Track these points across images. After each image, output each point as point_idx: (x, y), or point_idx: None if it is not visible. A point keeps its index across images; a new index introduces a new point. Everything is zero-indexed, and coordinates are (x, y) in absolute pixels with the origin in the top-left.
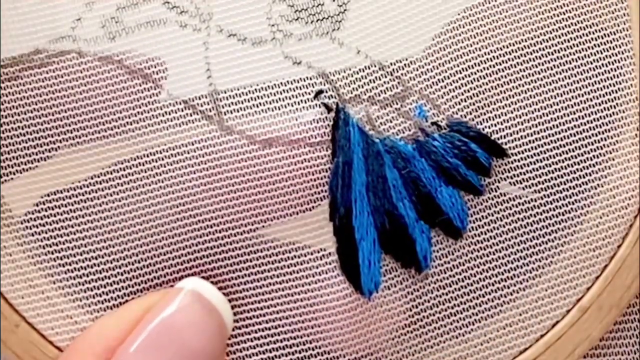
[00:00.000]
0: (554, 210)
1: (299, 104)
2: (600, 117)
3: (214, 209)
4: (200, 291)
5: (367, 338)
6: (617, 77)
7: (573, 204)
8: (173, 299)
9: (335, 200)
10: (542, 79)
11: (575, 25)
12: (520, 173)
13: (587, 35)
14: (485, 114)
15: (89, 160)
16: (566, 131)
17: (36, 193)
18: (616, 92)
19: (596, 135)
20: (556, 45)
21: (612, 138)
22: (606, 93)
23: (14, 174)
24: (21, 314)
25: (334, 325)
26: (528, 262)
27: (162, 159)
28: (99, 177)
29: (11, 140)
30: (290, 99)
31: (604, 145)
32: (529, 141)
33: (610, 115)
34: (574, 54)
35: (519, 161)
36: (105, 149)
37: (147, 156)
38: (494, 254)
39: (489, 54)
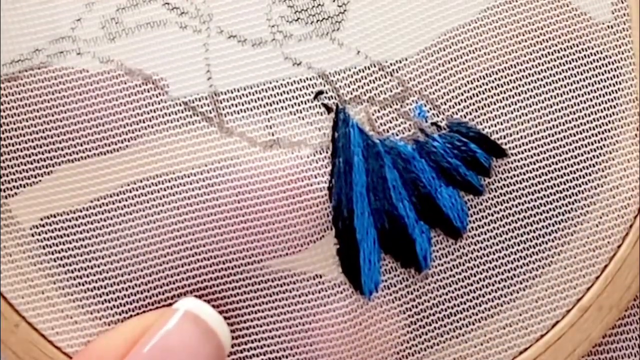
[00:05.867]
0: (554, 210)
1: (299, 104)
2: (600, 117)
3: (216, 217)
4: (197, 312)
5: (367, 355)
6: (617, 77)
7: (573, 204)
8: (168, 320)
9: (339, 204)
10: (542, 79)
11: (575, 25)
12: (520, 173)
13: (587, 35)
14: (485, 114)
15: (91, 167)
16: (566, 131)
17: (39, 200)
18: (616, 92)
19: (596, 136)
20: (556, 45)
21: (612, 138)
22: (606, 93)
23: (19, 180)
24: (21, 313)
25: (334, 350)
26: (528, 262)
27: (166, 170)
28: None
29: (12, 140)
30: (290, 99)
31: (604, 145)
32: (529, 141)
33: (610, 116)
34: (573, 54)
35: (518, 161)
36: (107, 157)
37: (153, 170)
38: (493, 254)
39: (488, 54)
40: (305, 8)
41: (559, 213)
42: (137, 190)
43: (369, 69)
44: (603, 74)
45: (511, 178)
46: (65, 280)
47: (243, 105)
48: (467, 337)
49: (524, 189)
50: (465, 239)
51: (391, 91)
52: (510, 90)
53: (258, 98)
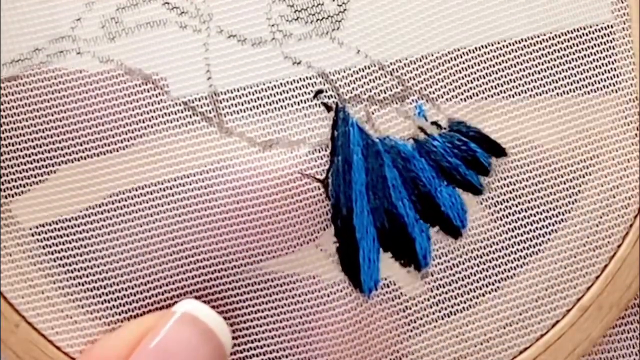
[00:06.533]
0: (554, 209)
1: (298, 104)
2: (600, 117)
3: (216, 218)
4: (195, 313)
5: (366, 354)
6: (617, 77)
7: (573, 203)
8: (167, 322)
9: (338, 202)
10: (542, 79)
11: (575, 24)
12: (520, 172)
13: (586, 35)
14: (485, 113)
15: (91, 167)
16: (566, 130)
17: (40, 201)
18: (616, 92)
19: (596, 135)
20: (556, 45)
21: (612, 138)
22: (606, 93)
23: (19, 180)
24: (21, 313)
25: (334, 349)
26: (528, 261)
27: (165, 171)
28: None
29: (12, 140)
30: (290, 99)
31: (603, 145)
32: (529, 141)
33: (610, 115)
34: (573, 54)
35: (518, 161)
36: (107, 157)
37: (152, 170)
38: (493, 252)
39: (488, 53)
40: (305, 7)
41: (558, 212)
42: (136, 190)
43: (368, 68)
44: (603, 74)
45: (511, 177)
46: (65, 280)
47: (243, 105)
48: (466, 336)
49: (523, 188)
50: (464, 238)
51: (391, 90)
52: (511, 89)
53: (258, 98)
